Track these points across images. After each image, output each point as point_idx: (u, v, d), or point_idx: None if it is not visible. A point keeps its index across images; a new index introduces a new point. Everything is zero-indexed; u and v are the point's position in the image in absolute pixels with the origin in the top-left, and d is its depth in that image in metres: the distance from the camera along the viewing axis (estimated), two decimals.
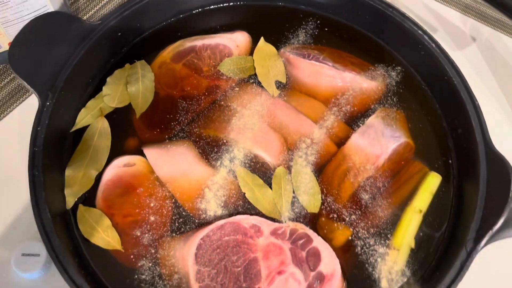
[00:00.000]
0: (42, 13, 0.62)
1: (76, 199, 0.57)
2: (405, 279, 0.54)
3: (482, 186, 0.53)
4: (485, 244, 0.49)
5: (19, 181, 0.66)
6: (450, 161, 0.61)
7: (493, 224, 0.49)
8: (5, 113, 0.74)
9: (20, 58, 0.57)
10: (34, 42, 0.59)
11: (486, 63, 0.84)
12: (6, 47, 0.77)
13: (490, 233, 0.49)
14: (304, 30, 0.72)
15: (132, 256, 0.55)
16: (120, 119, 0.64)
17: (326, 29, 0.72)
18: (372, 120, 0.63)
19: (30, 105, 0.74)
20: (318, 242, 0.54)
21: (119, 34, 0.67)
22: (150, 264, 0.54)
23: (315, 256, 0.53)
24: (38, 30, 0.59)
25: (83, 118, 0.63)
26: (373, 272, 0.54)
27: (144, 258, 0.55)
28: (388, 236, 0.56)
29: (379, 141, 0.62)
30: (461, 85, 0.60)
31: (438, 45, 0.63)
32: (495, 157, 0.53)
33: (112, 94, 0.65)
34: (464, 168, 0.59)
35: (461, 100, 0.59)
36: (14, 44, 0.58)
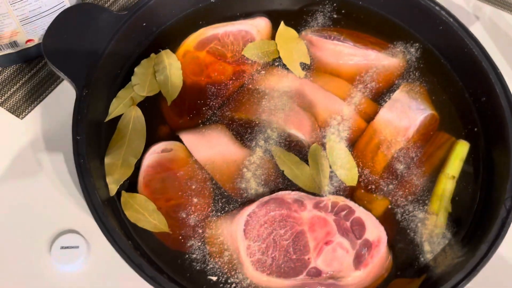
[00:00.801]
0: (66, 7, 0.63)
1: (118, 186, 0.58)
2: (447, 241, 0.56)
3: None
4: None
5: (47, 177, 0.67)
6: (475, 129, 0.64)
7: None
8: (24, 113, 0.74)
9: (54, 49, 0.58)
10: (66, 33, 0.59)
11: (490, 39, 0.87)
12: (24, 45, 0.77)
13: None
14: (322, 13, 0.74)
15: (180, 237, 0.56)
16: (151, 107, 0.65)
17: (343, 11, 0.74)
18: (398, 95, 0.66)
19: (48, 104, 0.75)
20: (360, 212, 0.56)
21: (144, 24, 0.68)
22: (199, 244, 0.55)
23: (359, 225, 0.55)
24: (69, 21, 0.60)
25: (116, 108, 0.64)
26: (415, 236, 0.56)
27: (192, 239, 0.56)
28: (426, 202, 0.59)
29: (407, 114, 0.64)
30: (482, 55, 0.63)
31: (456, 20, 0.66)
32: None
33: (141, 83, 0.66)
34: (491, 134, 0.61)
35: (483, 69, 0.62)
36: (47, 35, 0.58)
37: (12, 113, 0.74)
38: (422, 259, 0.55)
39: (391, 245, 0.56)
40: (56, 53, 0.58)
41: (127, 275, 0.51)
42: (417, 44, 0.71)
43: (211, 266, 0.54)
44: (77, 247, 0.64)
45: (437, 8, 0.67)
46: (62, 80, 0.75)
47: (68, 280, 0.62)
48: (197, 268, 0.54)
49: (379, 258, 0.53)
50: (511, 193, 0.53)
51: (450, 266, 0.52)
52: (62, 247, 0.64)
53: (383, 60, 0.69)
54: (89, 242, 0.64)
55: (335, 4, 0.74)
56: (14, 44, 0.75)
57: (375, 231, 0.54)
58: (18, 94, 0.76)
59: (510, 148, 0.56)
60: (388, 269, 0.55)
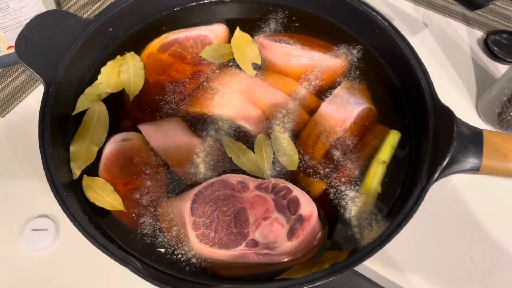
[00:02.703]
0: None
1: (80, 171, 0.65)
2: (373, 217, 0.62)
3: (433, 133, 0.62)
4: (437, 179, 0.58)
5: (22, 169, 0.74)
6: (406, 120, 0.70)
7: (442, 160, 0.58)
8: (5, 112, 0.81)
9: (25, 49, 0.65)
10: (37, 35, 0.66)
11: (438, 45, 0.95)
12: (5, 51, 0.85)
13: (440, 168, 0.57)
14: (274, 20, 0.81)
15: (134, 215, 0.62)
16: (115, 103, 0.72)
17: (294, 18, 0.82)
18: (338, 91, 0.73)
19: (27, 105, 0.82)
20: (297, 191, 0.62)
21: (111, 29, 0.75)
22: (151, 221, 0.62)
23: (295, 202, 0.61)
24: (40, 25, 0.67)
25: (82, 103, 0.71)
26: (344, 213, 0.63)
27: (144, 216, 0.62)
28: (358, 183, 0.65)
29: (345, 108, 0.71)
30: (411, 54, 0.70)
31: (389, 23, 0.73)
32: (441, 109, 0.62)
33: (106, 82, 0.73)
34: (418, 124, 0.68)
35: (411, 66, 0.69)
36: (19, 37, 0.65)
37: None
38: (349, 233, 0.61)
39: (324, 221, 0.62)
40: (27, 53, 0.65)
41: (93, 255, 0.56)
42: (359, 46, 0.78)
43: (160, 239, 0.60)
44: (46, 229, 0.70)
45: (373, 13, 0.74)
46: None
47: (39, 259, 0.68)
48: (148, 241, 0.60)
49: (310, 230, 0.59)
50: (427, 172, 0.59)
51: (373, 238, 0.58)
52: (32, 230, 0.70)
53: (327, 61, 0.76)
54: (58, 225, 0.70)
55: (286, 12, 0.82)
56: None
57: (308, 207, 0.61)
58: (0, 95, 0.83)
59: (430, 135, 0.62)
60: (320, 241, 0.61)
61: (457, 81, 0.90)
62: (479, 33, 0.97)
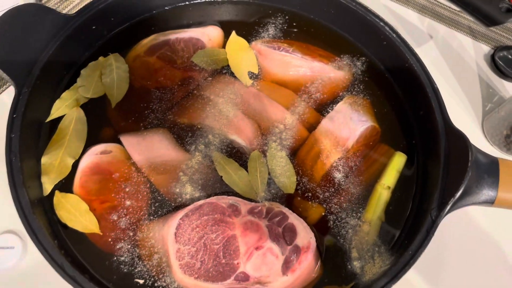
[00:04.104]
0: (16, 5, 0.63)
1: (53, 186, 0.58)
2: (376, 249, 0.56)
3: (444, 159, 0.57)
4: (448, 211, 0.53)
5: None
6: (413, 142, 0.65)
7: (455, 191, 0.52)
8: None
9: None
10: (9, 31, 0.59)
11: (442, 57, 0.90)
12: None
13: (452, 200, 0.52)
14: (273, 25, 0.75)
15: (110, 240, 0.55)
16: (95, 109, 0.65)
17: (294, 23, 0.76)
18: (340, 106, 0.67)
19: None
20: (293, 218, 0.56)
21: (94, 27, 0.68)
22: (129, 246, 0.55)
23: (291, 231, 0.55)
24: (14, 20, 0.59)
25: (58, 108, 0.63)
26: (344, 243, 0.57)
27: (122, 241, 0.55)
28: (360, 210, 0.59)
29: (348, 125, 0.65)
30: (420, 70, 0.64)
31: (398, 35, 0.68)
32: (454, 133, 0.57)
33: (86, 85, 0.66)
34: (426, 146, 0.63)
35: (421, 84, 0.64)
36: None
37: None
38: (349, 266, 0.56)
39: (321, 251, 0.56)
40: None
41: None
42: (363, 58, 0.72)
43: (139, 269, 0.54)
44: (13, 247, 0.63)
45: (381, 23, 0.69)
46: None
47: (3, 279, 0.61)
48: (125, 270, 0.54)
49: (307, 264, 0.53)
50: (438, 202, 0.54)
51: (377, 274, 0.53)
52: None
53: (329, 72, 0.70)
54: (26, 243, 0.63)
55: (287, 17, 0.76)
56: None
57: (306, 237, 0.55)
58: None
59: (441, 160, 0.57)
60: (317, 274, 0.55)
61: (462, 98, 0.85)
62: (486, 48, 0.92)
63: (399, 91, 0.69)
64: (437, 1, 0.97)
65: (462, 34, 0.94)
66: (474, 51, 0.92)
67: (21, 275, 0.61)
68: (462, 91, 0.86)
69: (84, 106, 0.65)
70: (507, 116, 0.75)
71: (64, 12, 0.78)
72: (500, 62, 0.88)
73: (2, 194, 0.65)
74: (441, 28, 0.94)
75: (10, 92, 0.76)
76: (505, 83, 0.87)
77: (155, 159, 0.61)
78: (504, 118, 0.76)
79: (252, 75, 0.70)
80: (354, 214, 0.59)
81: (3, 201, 0.64)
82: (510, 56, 0.89)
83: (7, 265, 0.61)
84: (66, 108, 0.64)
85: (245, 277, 0.52)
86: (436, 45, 0.92)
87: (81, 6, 0.66)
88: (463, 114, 0.83)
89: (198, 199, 0.58)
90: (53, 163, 0.59)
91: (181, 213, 0.55)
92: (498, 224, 0.69)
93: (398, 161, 0.63)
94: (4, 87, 0.76)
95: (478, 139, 0.81)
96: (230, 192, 0.60)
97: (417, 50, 0.88)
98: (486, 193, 0.54)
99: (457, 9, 0.95)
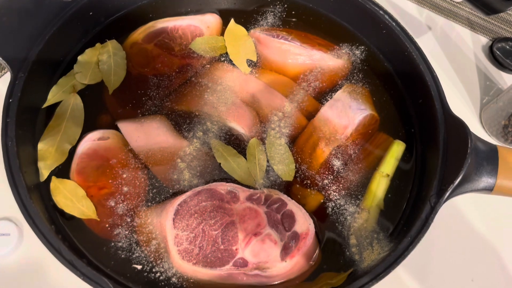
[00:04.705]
0: None
1: (49, 172, 0.57)
2: (375, 235, 0.56)
3: (443, 147, 0.57)
4: (447, 198, 0.53)
5: None
6: (412, 130, 0.65)
7: (454, 178, 0.52)
8: None
9: None
10: (6, 15, 0.58)
11: (441, 49, 0.90)
12: None
13: (451, 187, 0.52)
14: (272, 13, 0.75)
15: (107, 226, 0.55)
16: (92, 96, 0.64)
17: (293, 12, 0.75)
18: (339, 94, 0.67)
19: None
20: (292, 205, 0.56)
21: (91, 13, 0.67)
22: (127, 232, 0.55)
23: (290, 217, 0.55)
24: (11, 4, 0.59)
25: (55, 94, 0.63)
26: (343, 230, 0.57)
27: (120, 227, 0.55)
28: (359, 197, 0.59)
29: (346, 114, 0.65)
30: (420, 58, 0.64)
31: (398, 24, 0.67)
32: (454, 121, 0.57)
33: (83, 72, 0.65)
34: (425, 134, 0.62)
35: (420, 72, 0.63)
36: None
37: None
38: (347, 253, 0.56)
39: (320, 238, 0.56)
40: None
41: (61, 265, 0.49)
42: (362, 47, 0.72)
43: (137, 254, 0.53)
44: (8, 234, 0.62)
45: (381, 12, 0.68)
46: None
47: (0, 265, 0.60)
48: (122, 256, 0.53)
49: (306, 250, 0.53)
50: (437, 189, 0.54)
51: (375, 261, 0.53)
52: None
53: (328, 61, 0.70)
54: (22, 230, 0.62)
55: (285, 5, 0.75)
56: None
57: (304, 224, 0.55)
58: None
59: (440, 148, 0.57)
60: (316, 261, 0.55)
61: (460, 89, 0.85)
62: (484, 40, 0.92)
63: (398, 80, 0.69)
64: None
65: (460, 26, 0.94)
66: (472, 42, 0.92)
67: (17, 262, 0.61)
68: (460, 82, 0.86)
69: (81, 92, 0.64)
70: (505, 107, 0.75)
71: None
72: (498, 53, 0.88)
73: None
74: (440, 20, 0.94)
75: (6, 81, 0.75)
76: (503, 74, 0.87)
77: (153, 145, 0.60)
78: (502, 108, 0.76)
79: (250, 63, 0.69)
80: (353, 202, 0.59)
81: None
82: (508, 47, 0.89)
83: (2, 252, 0.61)
84: (63, 94, 0.63)
85: (243, 263, 0.52)
86: (434, 36, 0.92)
87: None
88: (461, 105, 0.83)
89: (196, 185, 0.58)
90: (50, 149, 0.58)
91: (179, 199, 0.55)
92: (486, 217, 0.70)
93: (397, 149, 0.63)
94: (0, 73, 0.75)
95: (476, 130, 0.81)
96: (228, 179, 0.59)
97: (416, 41, 0.88)
98: (485, 180, 0.54)
99: (456, 0, 0.95)
